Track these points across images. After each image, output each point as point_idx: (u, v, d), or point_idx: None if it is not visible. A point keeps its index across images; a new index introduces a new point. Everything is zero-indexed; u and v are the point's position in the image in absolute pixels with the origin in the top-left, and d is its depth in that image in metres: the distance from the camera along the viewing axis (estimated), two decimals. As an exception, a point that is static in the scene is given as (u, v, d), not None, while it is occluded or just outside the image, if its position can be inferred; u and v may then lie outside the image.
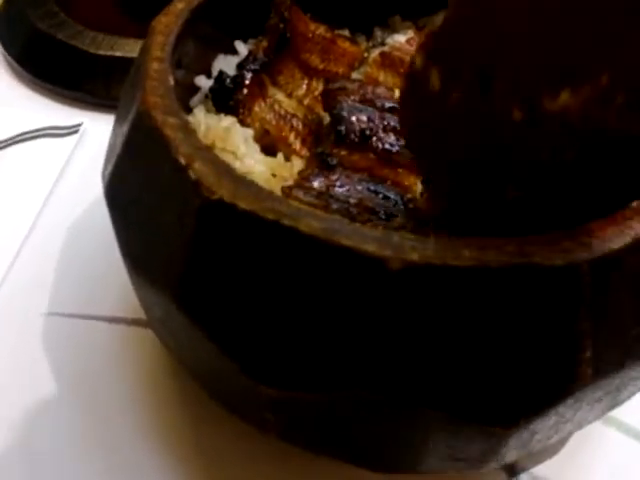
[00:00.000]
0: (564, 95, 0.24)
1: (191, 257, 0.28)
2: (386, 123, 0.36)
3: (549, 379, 0.26)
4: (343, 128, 0.36)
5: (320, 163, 0.35)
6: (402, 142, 0.35)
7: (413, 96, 0.30)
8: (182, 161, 0.28)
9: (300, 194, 0.33)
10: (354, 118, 0.36)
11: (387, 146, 0.35)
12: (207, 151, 0.29)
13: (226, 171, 0.28)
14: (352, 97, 0.37)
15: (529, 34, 0.24)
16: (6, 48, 0.62)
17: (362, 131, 0.35)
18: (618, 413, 0.38)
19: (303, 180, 0.34)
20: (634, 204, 0.27)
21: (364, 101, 0.37)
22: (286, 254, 0.26)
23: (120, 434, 0.38)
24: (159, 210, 0.30)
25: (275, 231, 0.26)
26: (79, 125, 0.54)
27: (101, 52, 0.57)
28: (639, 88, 0.23)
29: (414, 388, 0.26)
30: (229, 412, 0.34)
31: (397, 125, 0.36)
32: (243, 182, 0.28)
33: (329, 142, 0.36)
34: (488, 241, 0.26)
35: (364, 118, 0.36)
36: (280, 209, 0.26)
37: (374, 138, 0.36)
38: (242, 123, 0.37)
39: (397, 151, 0.35)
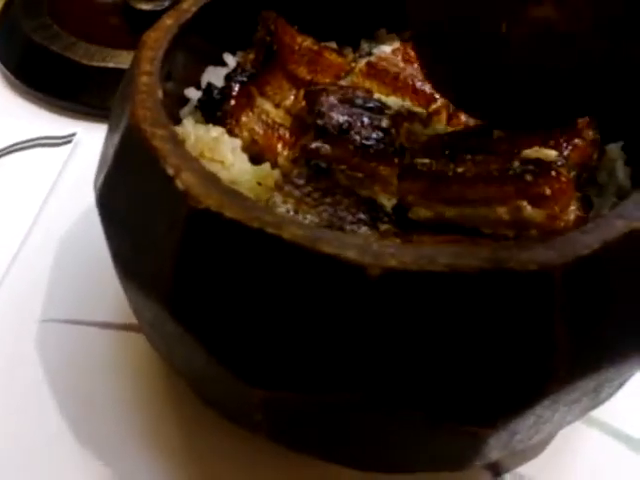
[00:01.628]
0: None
1: (179, 264, 0.29)
2: (365, 119, 0.37)
3: (525, 380, 0.27)
4: (322, 122, 0.37)
5: (310, 165, 0.36)
6: (381, 136, 0.36)
7: None
8: (170, 172, 0.29)
9: (292, 190, 0.34)
10: (333, 113, 0.37)
11: (365, 140, 0.36)
12: (194, 162, 0.30)
13: (213, 181, 0.29)
14: (332, 96, 0.38)
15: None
16: (1, 59, 0.62)
17: (340, 125, 0.36)
18: (600, 414, 0.39)
19: (296, 177, 0.35)
20: (604, 212, 0.28)
21: (344, 100, 0.38)
22: (271, 261, 0.27)
23: (114, 437, 0.38)
24: (149, 219, 0.31)
25: (260, 239, 0.27)
26: (73, 135, 0.55)
27: (94, 63, 0.58)
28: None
29: (395, 389, 0.27)
30: (219, 413, 0.35)
31: (375, 122, 0.37)
32: (229, 192, 0.29)
33: (310, 137, 0.37)
34: (463, 247, 0.27)
35: (343, 113, 0.37)
36: (264, 218, 0.27)
37: (353, 132, 0.36)
38: (230, 133, 0.38)
39: (375, 145, 0.36)
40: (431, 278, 0.26)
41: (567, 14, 0.30)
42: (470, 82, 0.35)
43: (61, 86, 0.59)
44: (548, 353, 0.27)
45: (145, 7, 0.61)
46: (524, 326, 0.26)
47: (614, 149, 0.37)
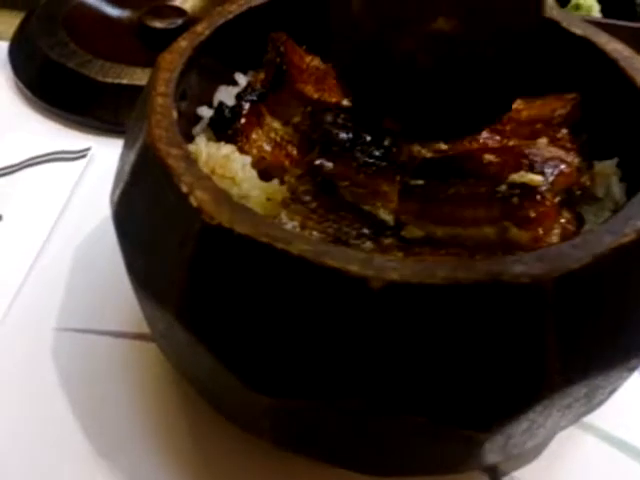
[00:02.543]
0: None
1: (192, 276, 0.31)
2: (368, 137, 0.39)
3: (519, 386, 0.29)
4: (327, 140, 0.38)
5: (316, 181, 0.37)
6: (382, 154, 0.38)
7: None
8: (184, 189, 0.31)
9: (299, 207, 0.36)
10: (337, 131, 0.39)
11: (368, 158, 0.38)
12: (207, 180, 0.32)
13: (224, 198, 0.31)
14: (337, 116, 0.40)
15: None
16: (18, 76, 0.64)
17: (344, 143, 0.38)
18: (595, 420, 0.40)
19: (302, 194, 0.37)
20: (594, 228, 0.30)
21: (347, 119, 0.40)
22: (279, 274, 0.29)
23: (126, 444, 0.40)
24: (163, 233, 0.32)
25: (268, 253, 0.29)
26: (87, 150, 0.57)
27: (109, 80, 0.60)
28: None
29: (396, 396, 0.29)
30: (227, 420, 0.37)
31: (377, 140, 0.38)
32: (240, 208, 0.30)
33: (315, 154, 0.39)
34: (460, 261, 0.28)
35: (347, 132, 0.39)
36: (273, 233, 0.29)
37: (356, 149, 0.38)
38: (241, 150, 0.39)
39: (377, 163, 0.38)
40: (430, 290, 0.27)
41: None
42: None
43: (76, 102, 0.61)
44: (540, 361, 0.28)
45: (159, 25, 0.63)
46: (517, 335, 0.28)
47: (608, 165, 0.38)
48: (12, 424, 0.40)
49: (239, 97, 0.41)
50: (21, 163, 0.56)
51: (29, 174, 0.55)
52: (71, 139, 0.59)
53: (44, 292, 0.47)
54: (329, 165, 0.38)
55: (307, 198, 0.37)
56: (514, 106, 0.41)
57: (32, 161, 0.56)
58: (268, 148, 0.40)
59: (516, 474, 0.39)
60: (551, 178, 0.34)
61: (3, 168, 0.55)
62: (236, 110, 0.41)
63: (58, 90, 0.62)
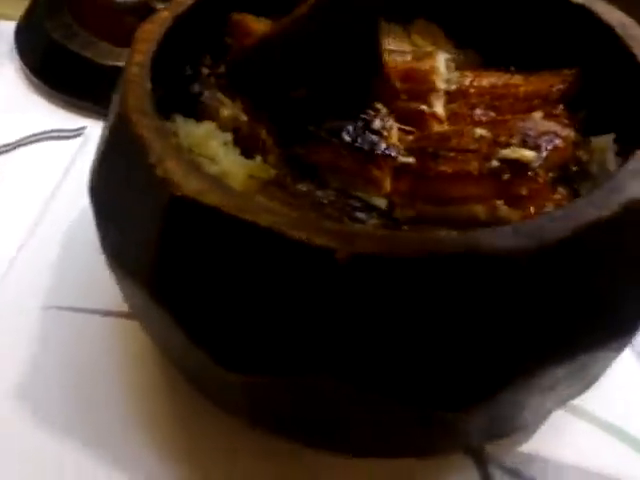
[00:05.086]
0: None
1: (162, 250, 0.30)
2: (357, 121, 0.37)
3: (494, 366, 0.28)
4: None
5: (295, 164, 0.36)
6: (373, 138, 0.36)
7: None
8: (152, 159, 0.30)
9: (277, 192, 0.35)
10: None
11: (357, 142, 0.36)
12: (178, 150, 0.31)
13: (194, 169, 0.30)
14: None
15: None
16: (23, 58, 0.64)
17: (332, 127, 0.36)
18: (586, 403, 0.39)
19: (281, 178, 0.36)
20: (587, 196, 0.28)
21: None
22: (247, 246, 0.28)
23: (113, 424, 0.39)
24: (134, 206, 0.31)
25: (236, 225, 0.28)
26: (83, 128, 0.56)
27: (109, 62, 0.59)
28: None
29: (364, 373, 0.28)
30: (206, 398, 0.36)
31: (367, 124, 0.37)
32: (209, 179, 0.29)
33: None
34: (434, 234, 0.27)
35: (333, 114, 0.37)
36: (241, 205, 0.28)
37: (344, 133, 0.36)
38: (220, 126, 0.38)
39: (367, 147, 0.36)
40: (400, 263, 0.26)
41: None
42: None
43: (77, 84, 0.60)
44: (516, 339, 0.27)
45: (164, 7, 0.62)
46: (492, 312, 0.27)
47: (604, 141, 0.37)
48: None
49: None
50: (16, 142, 0.55)
51: (23, 153, 0.55)
52: (72, 121, 0.58)
53: (33, 270, 0.46)
54: (316, 151, 0.36)
55: (287, 180, 0.35)
56: (512, 81, 0.40)
57: (28, 139, 0.55)
58: (244, 118, 0.38)
59: (503, 459, 0.37)
60: (545, 153, 0.33)
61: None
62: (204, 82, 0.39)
63: (60, 72, 0.61)
